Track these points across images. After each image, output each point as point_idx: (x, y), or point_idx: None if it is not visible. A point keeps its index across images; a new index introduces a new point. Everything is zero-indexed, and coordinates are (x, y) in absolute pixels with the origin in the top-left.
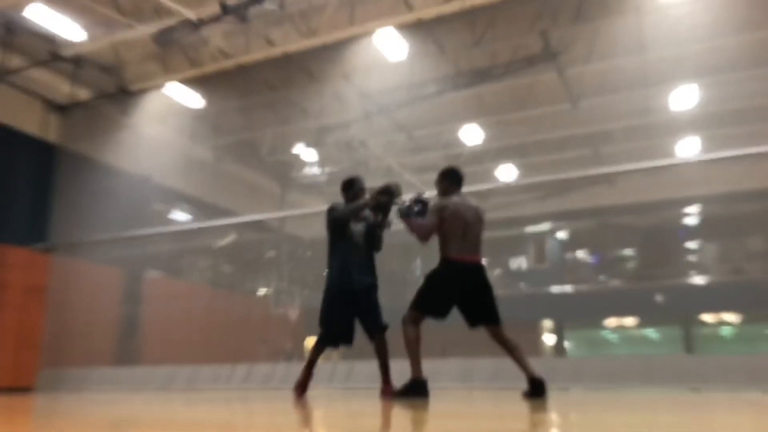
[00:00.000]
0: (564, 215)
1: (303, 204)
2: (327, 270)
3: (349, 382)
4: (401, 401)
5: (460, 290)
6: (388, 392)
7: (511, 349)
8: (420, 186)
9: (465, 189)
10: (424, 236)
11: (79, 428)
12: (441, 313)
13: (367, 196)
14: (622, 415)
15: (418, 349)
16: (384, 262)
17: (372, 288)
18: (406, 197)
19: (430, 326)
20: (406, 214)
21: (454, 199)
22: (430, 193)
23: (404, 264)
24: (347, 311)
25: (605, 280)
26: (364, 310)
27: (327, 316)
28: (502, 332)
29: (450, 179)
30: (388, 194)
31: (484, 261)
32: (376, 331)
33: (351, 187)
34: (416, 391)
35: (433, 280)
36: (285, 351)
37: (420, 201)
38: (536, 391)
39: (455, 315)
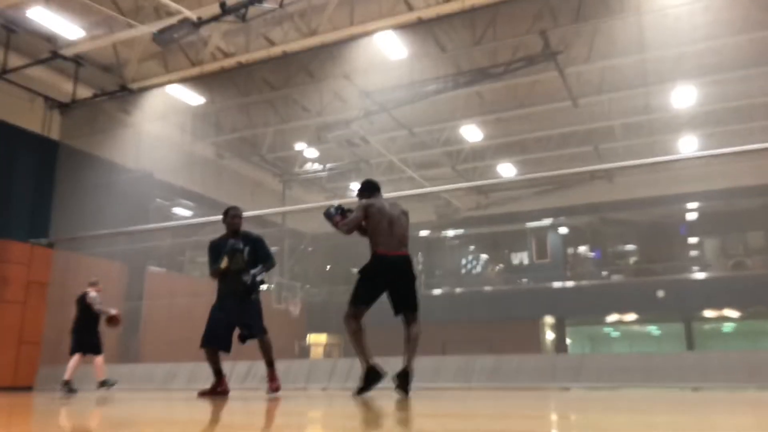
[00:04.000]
0: (565, 211)
1: (304, 200)
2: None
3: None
4: (364, 394)
5: (387, 282)
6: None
7: (408, 336)
8: (421, 181)
9: (468, 184)
10: (349, 228)
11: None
12: (370, 301)
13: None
14: (622, 415)
15: (361, 340)
16: None
17: None
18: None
19: (430, 325)
20: (327, 215)
21: (378, 200)
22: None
23: None
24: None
25: (606, 276)
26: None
27: None
28: (414, 320)
29: (366, 190)
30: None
31: (409, 254)
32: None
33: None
34: (372, 379)
35: (364, 273)
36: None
37: (340, 207)
38: (401, 382)
39: (455, 313)
